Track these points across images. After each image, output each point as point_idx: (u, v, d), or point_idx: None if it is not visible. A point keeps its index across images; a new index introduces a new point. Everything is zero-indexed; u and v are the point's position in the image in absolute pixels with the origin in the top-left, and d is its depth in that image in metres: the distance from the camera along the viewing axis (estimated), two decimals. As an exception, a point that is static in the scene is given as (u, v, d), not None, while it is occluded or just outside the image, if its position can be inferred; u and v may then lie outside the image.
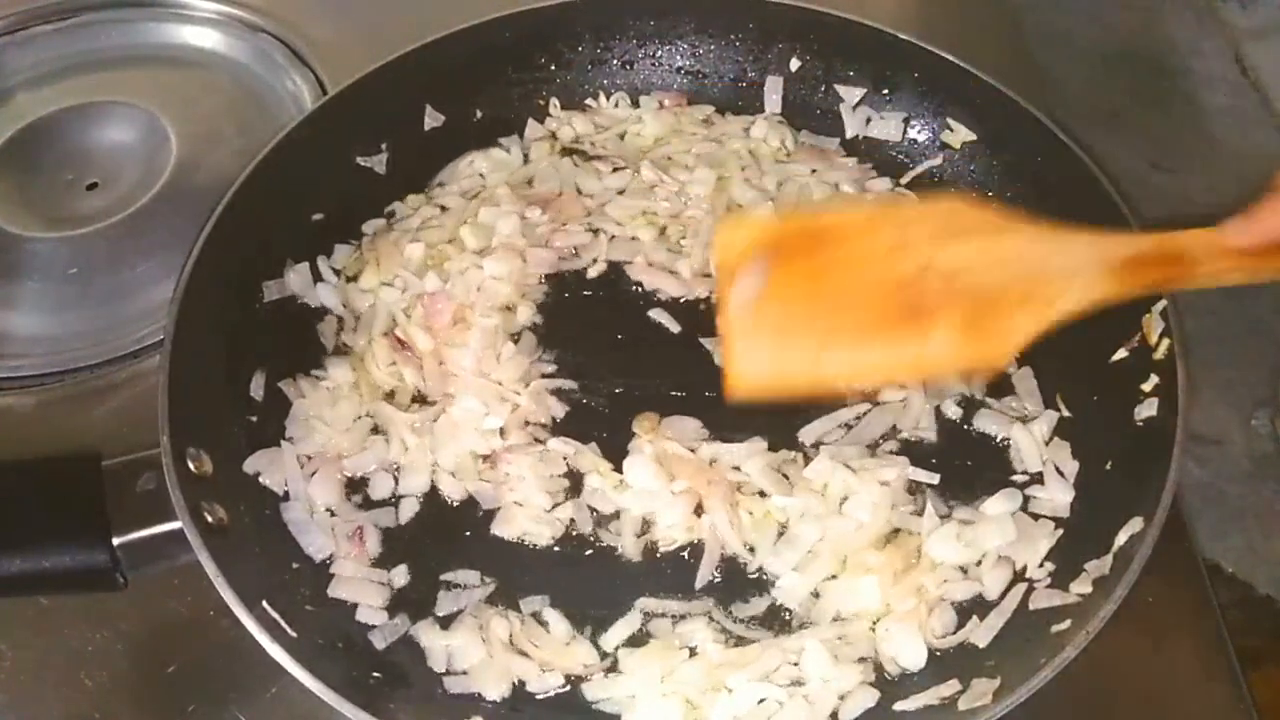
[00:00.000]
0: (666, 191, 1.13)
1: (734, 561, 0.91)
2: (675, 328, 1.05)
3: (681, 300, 1.06)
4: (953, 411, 0.99)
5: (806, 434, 0.97)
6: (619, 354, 1.03)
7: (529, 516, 0.92)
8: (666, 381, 1.00)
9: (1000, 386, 1.01)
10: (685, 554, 0.91)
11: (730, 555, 0.91)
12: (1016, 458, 0.96)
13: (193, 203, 1.13)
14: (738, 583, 0.90)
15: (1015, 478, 0.95)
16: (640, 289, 1.08)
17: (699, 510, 0.92)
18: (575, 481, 0.95)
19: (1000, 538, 0.89)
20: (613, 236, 1.10)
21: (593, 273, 1.08)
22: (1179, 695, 0.90)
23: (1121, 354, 0.96)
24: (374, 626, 0.87)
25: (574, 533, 0.92)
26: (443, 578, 0.90)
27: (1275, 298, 1.34)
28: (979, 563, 0.90)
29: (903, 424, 0.98)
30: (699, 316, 1.05)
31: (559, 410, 0.99)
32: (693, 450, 0.95)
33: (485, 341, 1.01)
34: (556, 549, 0.92)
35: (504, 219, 1.10)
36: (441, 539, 0.93)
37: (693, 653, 0.86)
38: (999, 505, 0.92)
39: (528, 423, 0.97)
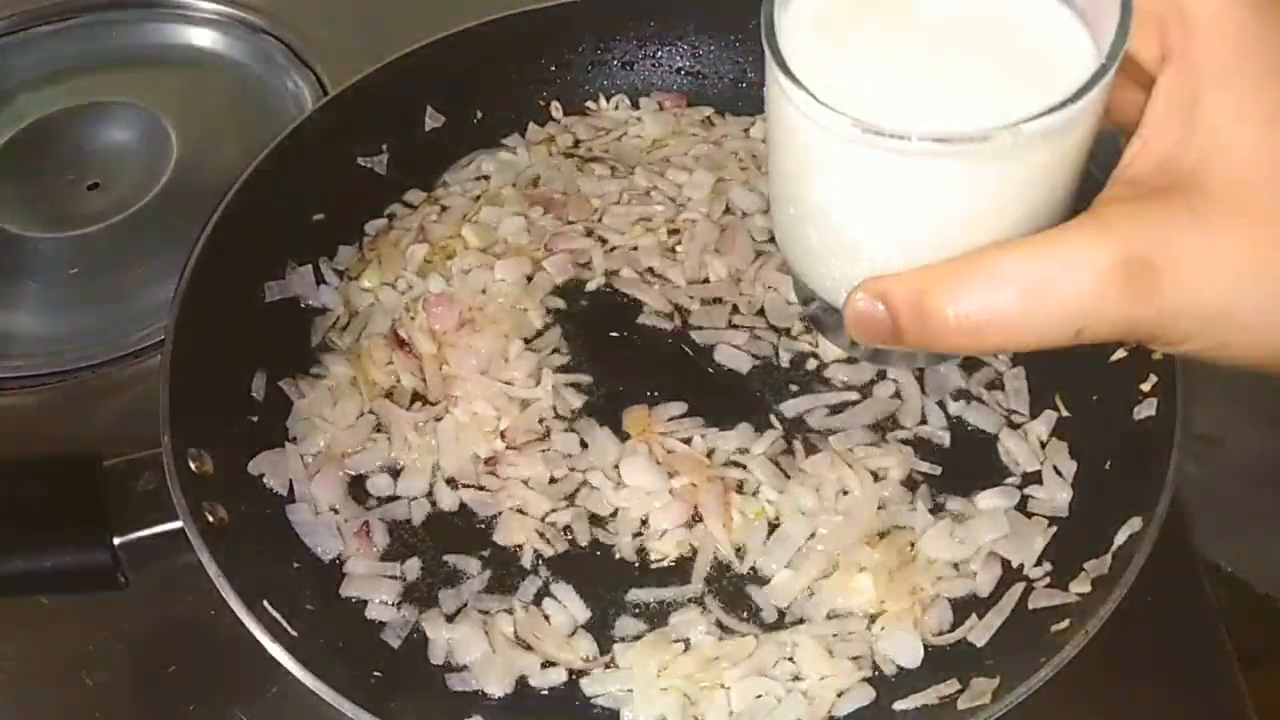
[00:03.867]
0: (662, 195, 1.13)
1: (727, 562, 0.91)
2: (669, 325, 1.05)
3: (672, 309, 1.06)
4: (953, 408, 0.99)
5: (787, 408, 0.97)
6: (616, 353, 1.03)
7: (530, 525, 0.92)
8: (663, 381, 1.00)
9: (999, 383, 1.00)
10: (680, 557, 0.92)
11: (724, 558, 0.91)
12: (1010, 459, 0.96)
13: (193, 203, 1.13)
14: (731, 580, 0.90)
15: (1012, 478, 0.95)
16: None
17: (693, 521, 0.92)
18: (575, 484, 0.95)
19: (993, 532, 0.89)
20: (614, 248, 1.10)
21: (597, 282, 1.08)
22: (1179, 695, 0.90)
23: (1121, 354, 0.96)
24: (385, 624, 0.88)
25: (572, 537, 0.92)
26: (443, 563, 0.91)
27: (1275, 298, 1.33)
28: (969, 561, 0.89)
29: (905, 419, 0.98)
30: (695, 317, 1.05)
31: (577, 402, 0.99)
32: (687, 441, 0.95)
33: (495, 346, 1.01)
34: (554, 550, 0.92)
35: (507, 219, 1.10)
36: (443, 535, 0.93)
37: (687, 645, 0.86)
38: (992, 500, 0.92)
39: (542, 419, 0.97)
